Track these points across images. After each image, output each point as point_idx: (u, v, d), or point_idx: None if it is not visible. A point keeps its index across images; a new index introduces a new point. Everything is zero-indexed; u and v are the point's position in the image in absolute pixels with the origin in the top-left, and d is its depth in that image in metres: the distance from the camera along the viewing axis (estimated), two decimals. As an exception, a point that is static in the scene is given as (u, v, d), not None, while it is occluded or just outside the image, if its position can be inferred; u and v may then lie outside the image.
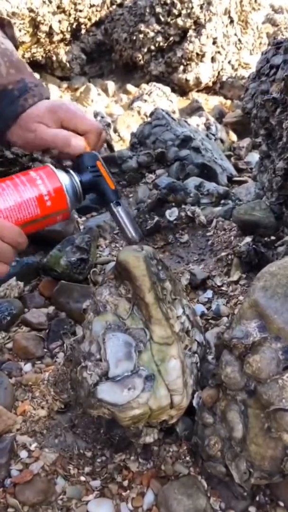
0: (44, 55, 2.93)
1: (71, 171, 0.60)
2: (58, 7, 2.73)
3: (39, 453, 0.56)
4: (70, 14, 2.84)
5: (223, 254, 0.92)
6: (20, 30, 2.53)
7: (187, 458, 0.58)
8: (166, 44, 2.98)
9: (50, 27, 2.72)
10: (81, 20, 2.98)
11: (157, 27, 2.91)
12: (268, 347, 0.47)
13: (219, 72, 3.05)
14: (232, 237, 0.97)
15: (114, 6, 3.19)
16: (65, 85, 3.03)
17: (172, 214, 1.07)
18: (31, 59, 2.88)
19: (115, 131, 2.00)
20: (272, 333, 0.48)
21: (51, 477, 0.54)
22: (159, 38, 2.94)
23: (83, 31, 3.12)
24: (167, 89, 2.59)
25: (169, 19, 2.90)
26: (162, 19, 2.90)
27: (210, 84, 3.05)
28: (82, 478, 0.55)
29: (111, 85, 3.00)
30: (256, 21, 3.29)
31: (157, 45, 2.98)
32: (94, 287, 0.81)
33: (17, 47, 0.69)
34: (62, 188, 0.57)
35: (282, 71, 0.95)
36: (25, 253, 0.93)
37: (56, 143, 0.65)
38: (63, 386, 0.65)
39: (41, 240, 0.91)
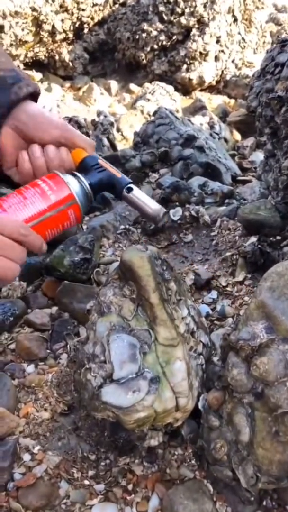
0: (46, 54, 2.93)
1: (78, 174, 0.58)
2: (61, 6, 2.72)
3: (43, 456, 0.55)
4: (73, 13, 2.84)
5: (227, 254, 0.91)
6: (23, 29, 2.53)
7: (193, 462, 0.57)
8: (169, 43, 2.97)
9: (53, 26, 2.72)
10: (84, 19, 2.98)
11: (160, 26, 2.90)
12: (275, 349, 0.46)
13: (222, 71, 3.04)
14: (237, 237, 0.96)
15: (117, 5, 3.19)
16: (68, 84, 3.02)
17: (176, 213, 1.06)
18: (34, 58, 2.87)
19: (118, 130, 1.99)
20: (280, 334, 0.47)
21: (55, 480, 0.54)
22: (162, 37, 2.93)
23: (85, 30, 3.11)
24: (170, 88, 2.58)
25: (172, 18, 2.89)
26: (165, 17, 2.89)
27: (214, 83, 3.04)
28: (86, 482, 0.55)
29: (114, 84, 3.00)
30: (259, 20, 3.27)
31: (160, 44, 2.97)
32: (97, 287, 0.80)
33: None
34: (73, 196, 0.56)
35: (288, 68, 0.94)
36: (28, 253, 0.92)
37: (64, 135, 0.59)
38: (67, 387, 0.64)
39: (44, 240, 0.90)
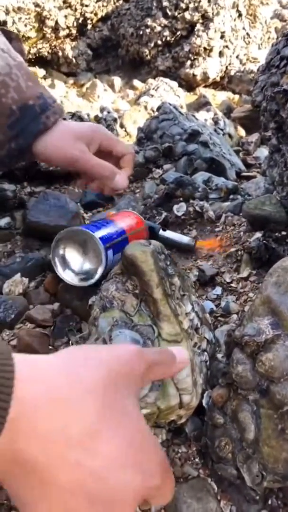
0: (50, 50, 2.91)
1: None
2: (64, 2, 2.71)
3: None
4: (76, 9, 2.82)
5: (232, 250, 0.90)
6: (25, 25, 2.52)
7: (197, 460, 0.56)
8: (173, 39, 2.95)
9: (56, 22, 2.70)
10: (87, 15, 2.96)
11: (164, 21, 2.88)
12: (281, 344, 0.45)
13: (227, 67, 3.01)
14: (242, 233, 0.94)
15: (120, 1, 3.16)
16: (71, 81, 3.01)
17: (180, 209, 1.05)
18: (37, 54, 2.86)
19: (122, 126, 1.98)
20: (286, 330, 0.46)
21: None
22: (166, 33, 2.91)
23: (89, 27, 3.09)
24: (174, 84, 2.56)
25: (176, 13, 2.87)
26: (169, 13, 2.87)
27: (218, 79, 3.02)
28: (88, 479, 0.54)
29: (117, 80, 2.98)
30: (264, 15, 3.24)
31: (164, 39, 2.95)
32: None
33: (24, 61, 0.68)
34: (144, 224, 0.86)
35: (294, 61, 0.93)
36: (30, 249, 0.92)
37: (102, 172, 0.69)
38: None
39: (46, 236, 0.89)
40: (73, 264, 0.71)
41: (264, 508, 0.52)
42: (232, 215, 1.02)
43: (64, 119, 0.70)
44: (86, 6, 2.89)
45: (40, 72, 2.91)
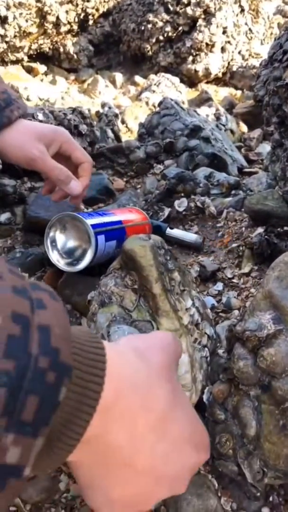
0: (51, 46, 2.90)
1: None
2: (65, -3, 2.69)
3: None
4: (77, 5, 2.81)
5: (234, 245, 0.89)
6: (26, 21, 2.50)
7: (197, 456, 0.55)
8: (175, 34, 2.93)
9: (57, 18, 2.69)
10: (89, 10, 2.94)
11: (166, 17, 2.86)
12: (283, 339, 0.44)
13: (229, 63, 2.99)
14: (244, 228, 0.94)
15: (122, -3, 3.15)
16: (72, 77, 2.99)
17: (181, 204, 1.04)
18: (38, 50, 2.85)
19: (123, 122, 1.97)
20: None
21: (55, 474, 0.52)
22: (168, 28, 2.89)
23: (90, 22, 3.08)
24: (176, 80, 2.55)
25: (178, 8, 2.85)
26: (171, 8, 2.85)
27: (220, 75, 3.00)
28: (87, 476, 0.53)
29: (119, 76, 2.97)
30: (267, 11, 3.22)
31: (165, 35, 2.93)
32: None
33: None
34: (148, 220, 0.89)
35: (296, 54, 0.92)
36: (30, 244, 0.91)
37: (57, 175, 0.69)
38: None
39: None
40: (63, 248, 0.72)
41: (265, 505, 0.51)
42: (233, 211, 1.01)
43: (30, 119, 0.71)
44: (88, 1, 2.87)
45: (41, 68, 2.90)
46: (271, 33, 3.22)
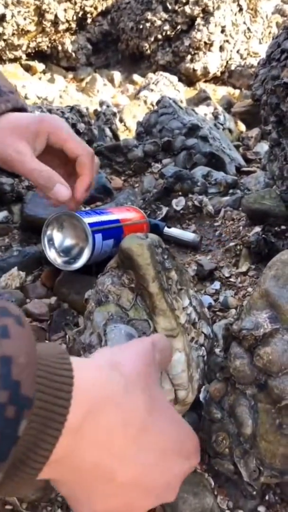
0: (49, 44, 2.89)
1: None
2: (63, -4, 2.69)
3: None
4: (75, 3, 2.80)
5: (231, 244, 0.89)
6: (25, 19, 2.49)
7: (193, 455, 0.55)
8: (173, 33, 2.93)
9: (56, 16, 2.68)
10: (87, 9, 2.93)
11: (165, 15, 2.86)
12: (280, 338, 0.44)
13: (227, 62, 2.99)
14: (241, 227, 0.94)
15: (120, -5, 3.14)
16: (70, 75, 2.99)
17: (179, 203, 1.04)
18: (36, 48, 2.84)
19: (121, 120, 1.96)
20: (284, 324, 0.45)
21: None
22: (167, 27, 2.89)
23: (89, 21, 3.07)
24: (174, 78, 2.54)
25: (176, 7, 2.84)
26: (170, 7, 2.85)
27: (218, 74, 3.00)
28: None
29: (117, 75, 2.96)
30: (265, 10, 3.22)
31: (164, 34, 2.92)
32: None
33: None
34: (146, 219, 0.89)
35: (294, 53, 0.92)
36: (27, 242, 0.91)
37: (36, 180, 0.58)
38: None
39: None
40: (61, 246, 0.72)
41: (261, 504, 0.51)
42: (231, 210, 1.01)
43: (31, 111, 0.65)
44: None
45: (40, 66, 2.89)
46: (270, 32, 3.22)
